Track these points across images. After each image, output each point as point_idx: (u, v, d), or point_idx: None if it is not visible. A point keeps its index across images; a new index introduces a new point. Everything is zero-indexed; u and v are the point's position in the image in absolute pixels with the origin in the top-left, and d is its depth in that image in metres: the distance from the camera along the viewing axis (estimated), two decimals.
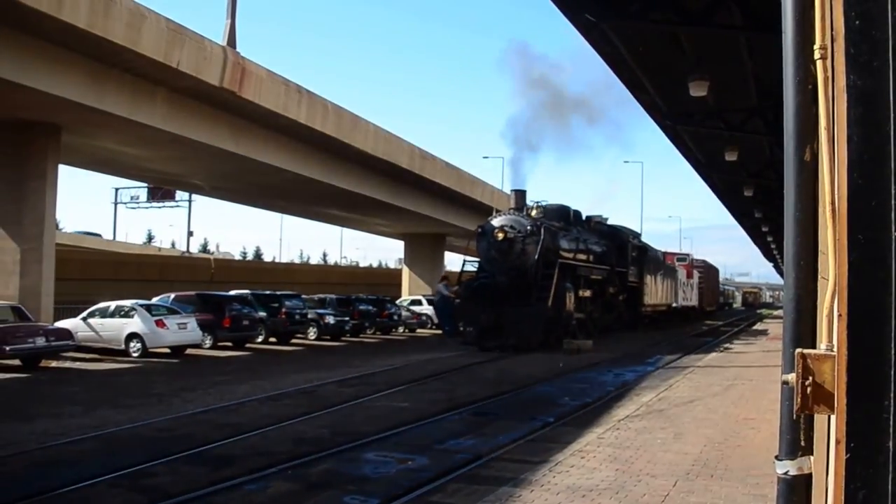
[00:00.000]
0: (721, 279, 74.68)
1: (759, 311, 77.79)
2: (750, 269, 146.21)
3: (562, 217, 25.34)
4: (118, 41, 16.28)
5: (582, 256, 25.15)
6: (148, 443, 8.26)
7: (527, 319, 20.34)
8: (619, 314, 29.29)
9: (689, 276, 45.30)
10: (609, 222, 31.90)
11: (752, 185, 23.57)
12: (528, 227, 21.76)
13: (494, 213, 22.84)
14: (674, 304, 39.37)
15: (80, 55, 16.81)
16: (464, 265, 24.62)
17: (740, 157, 18.57)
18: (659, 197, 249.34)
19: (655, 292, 34.51)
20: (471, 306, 21.60)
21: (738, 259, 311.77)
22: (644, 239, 35.17)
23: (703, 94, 13.22)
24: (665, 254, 40.55)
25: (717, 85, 13.43)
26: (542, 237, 21.58)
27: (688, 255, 50.33)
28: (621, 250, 29.67)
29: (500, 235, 21.45)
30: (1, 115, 18.98)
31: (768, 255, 60.44)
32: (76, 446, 8.14)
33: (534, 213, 23.28)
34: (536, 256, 21.33)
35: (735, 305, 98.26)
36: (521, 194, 23.61)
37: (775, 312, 66.67)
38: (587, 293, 24.75)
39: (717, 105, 15.48)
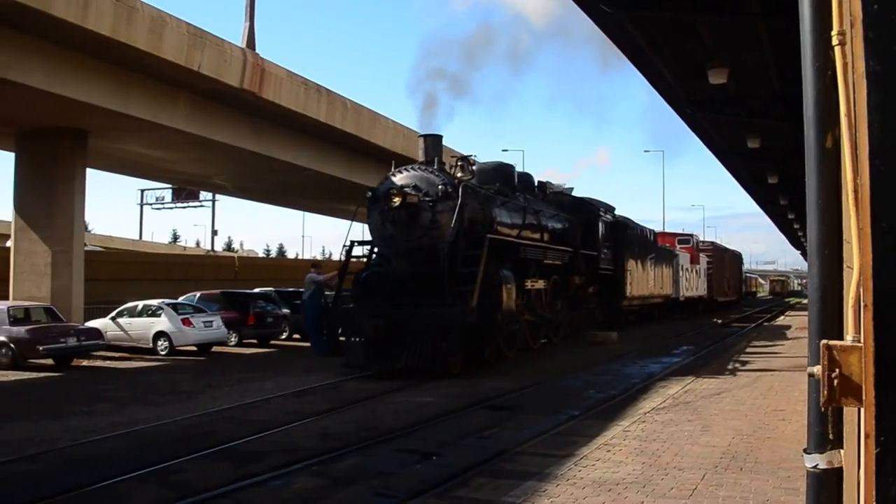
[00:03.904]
0: (745, 267, 72.56)
1: (786, 300, 76.69)
2: (777, 258, 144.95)
3: (501, 179, 17.94)
4: (141, 47, 16.58)
5: (532, 234, 18.23)
6: (176, 439, 8.36)
7: (438, 326, 13.32)
8: (590, 311, 22.60)
9: (694, 260, 38.03)
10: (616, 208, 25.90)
11: (776, 172, 23.25)
12: (441, 188, 14.44)
13: (394, 168, 15.35)
14: (673, 296, 32.94)
15: (104, 62, 17.12)
16: (350, 248, 16.27)
17: (763, 144, 18.33)
18: (681, 186, 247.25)
19: (643, 281, 27.74)
20: (355, 308, 14.89)
21: (765, 247, 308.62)
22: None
23: (723, 82, 13.07)
24: (660, 234, 34.42)
25: (736, 72, 13.26)
26: (459, 202, 14.33)
27: (691, 235, 42.27)
28: (590, 228, 22.64)
29: (397, 200, 14.23)
30: (31, 123, 19.47)
31: (795, 242, 59.59)
32: (107, 443, 8.26)
33: (458, 171, 15.83)
34: (453, 230, 14.22)
35: (761, 295, 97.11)
36: (434, 142, 15.84)
37: (803, 301, 65.79)
38: (539, 284, 17.96)
39: (737, 92, 15.29)
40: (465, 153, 16.55)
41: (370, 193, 15.01)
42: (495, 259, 15.03)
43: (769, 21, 11.13)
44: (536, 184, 21.15)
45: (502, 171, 18.42)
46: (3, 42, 15.11)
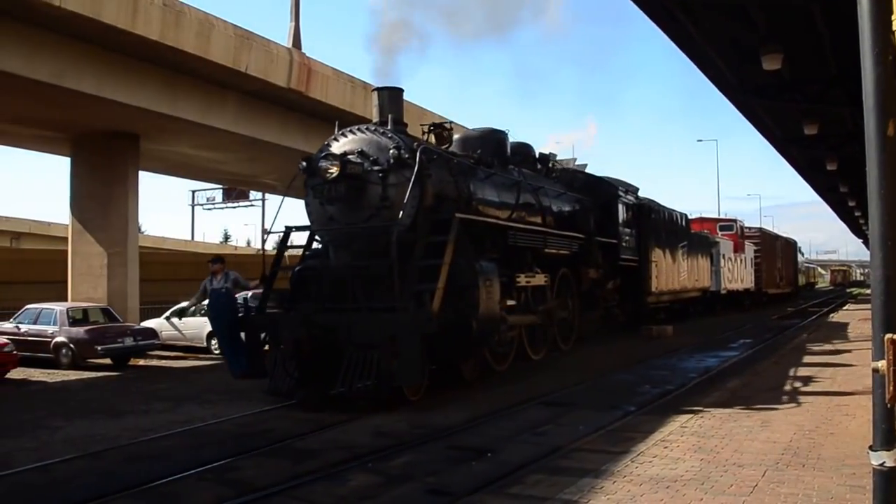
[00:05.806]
0: (804, 257, 69.90)
1: (848, 290, 74.32)
2: (837, 247, 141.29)
3: (491, 149, 14.01)
4: (189, 50, 16.94)
5: (530, 217, 14.59)
6: (232, 437, 8.51)
7: (385, 338, 9.79)
8: (608, 310, 18.52)
9: (738, 249, 33.85)
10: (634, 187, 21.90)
11: (835, 158, 22.57)
12: (394, 152, 10.84)
13: (337, 131, 11.77)
14: (712, 289, 29.15)
15: (153, 65, 17.52)
16: (286, 236, 12.97)
17: (821, 130, 17.81)
18: (736, 175, 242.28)
19: (673, 273, 23.38)
20: (281, 315, 11.36)
21: (825, 236, 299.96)
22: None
23: (778, 67, 12.73)
24: (696, 220, 30.73)
25: (791, 56, 12.91)
26: (416, 170, 10.76)
27: (734, 221, 36.72)
28: (607, 211, 18.71)
29: (334, 171, 10.74)
30: (85, 127, 20.05)
31: (856, 230, 57.73)
32: (165, 441, 8.45)
33: (429, 138, 12.91)
34: (410, 208, 10.75)
35: (821, 285, 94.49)
36: (392, 97, 12.02)
37: (866, 292, 63.77)
38: (538, 279, 14.00)
39: (792, 77, 14.88)
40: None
41: (304, 163, 11.34)
42: (473, 248, 11.39)
43: (825, 3, 10.80)
44: (537, 156, 17.32)
45: (490, 139, 14.49)
46: (57, 50, 15.58)
